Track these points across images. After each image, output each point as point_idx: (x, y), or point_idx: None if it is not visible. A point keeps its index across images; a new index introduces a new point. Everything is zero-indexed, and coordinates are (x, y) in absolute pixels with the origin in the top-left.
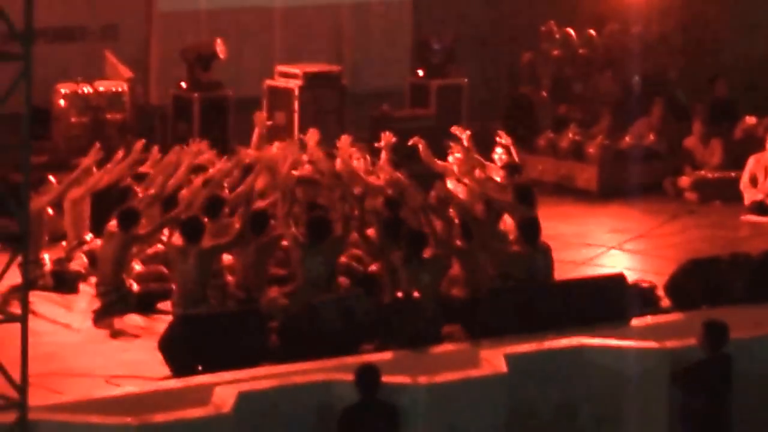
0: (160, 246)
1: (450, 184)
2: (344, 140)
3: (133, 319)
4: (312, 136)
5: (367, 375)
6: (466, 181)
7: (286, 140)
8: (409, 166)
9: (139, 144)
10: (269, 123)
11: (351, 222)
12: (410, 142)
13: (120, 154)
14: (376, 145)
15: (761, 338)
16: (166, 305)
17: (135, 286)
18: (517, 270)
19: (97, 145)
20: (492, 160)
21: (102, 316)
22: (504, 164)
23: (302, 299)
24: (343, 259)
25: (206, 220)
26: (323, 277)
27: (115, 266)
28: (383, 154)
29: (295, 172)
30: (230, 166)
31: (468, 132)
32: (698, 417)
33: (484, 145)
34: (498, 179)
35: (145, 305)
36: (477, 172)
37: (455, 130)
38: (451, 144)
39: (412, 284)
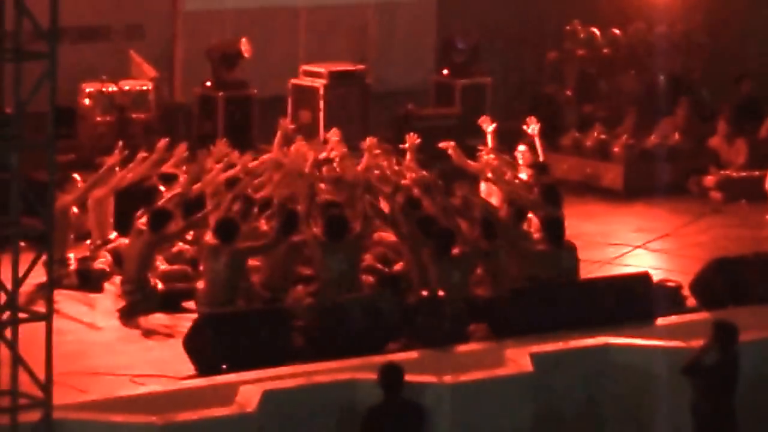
0: (183, 245)
1: (483, 186)
2: (370, 142)
3: (158, 318)
4: (334, 133)
5: (391, 374)
6: (498, 183)
7: (308, 141)
8: (435, 166)
9: (163, 143)
10: (292, 127)
11: (373, 220)
12: (442, 145)
13: (143, 153)
14: (401, 146)
15: None
16: (190, 304)
17: (159, 285)
18: (543, 269)
19: (122, 144)
20: (514, 158)
21: (127, 315)
22: (530, 163)
23: (327, 298)
24: (367, 258)
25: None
26: (346, 275)
27: (140, 265)
28: (408, 155)
29: (317, 172)
30: (255, 166)
31: (494, 125)
32: (707, 417)
33: (508, 144)
34: (524, 177)
35: (170, 304)
36: (508, 174)
37: (482, 121)
38: (480, 147)
39: (442, 282)
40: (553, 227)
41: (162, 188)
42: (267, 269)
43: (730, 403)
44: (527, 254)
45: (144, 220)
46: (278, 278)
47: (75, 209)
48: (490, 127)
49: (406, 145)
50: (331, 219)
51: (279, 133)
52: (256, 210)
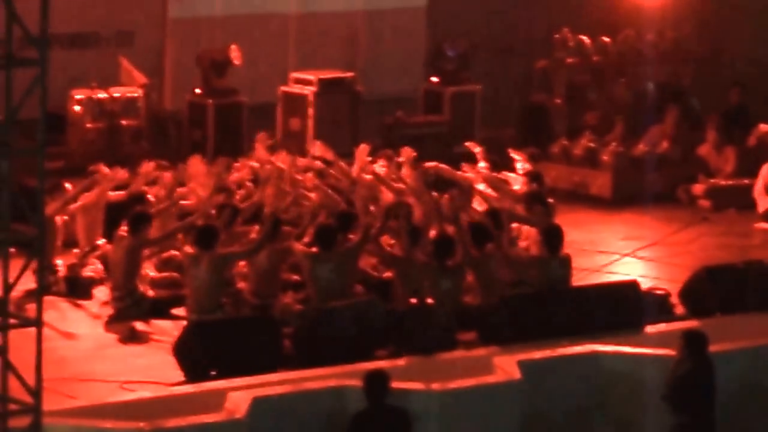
0: (174, 252)
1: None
2: (362, 149)
3: (147, 325)
4: (318, 147)
5: (375, 381)
6: (487, 194)
7: (297, 148)
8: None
9: (150, 166)
10: (270, 143)
11: (369, 230)
12: (427, 165)
13: (126, 173)
14: (397, 159)
15: None
16: (179, 311)
17: (149, 292)
18: (532, 275)
19: (120, 171)
20: (515, 170)
21: (116, 322)
22: (525, 172)
23: (316, 305)
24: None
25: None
26: (335, 285)
27: (127, 271)
28: (404, 168)
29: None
30: (242, 176)
31: (479, 148)
32: (686, 428)
33: (496, 152)
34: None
35: (159, 311)
36: (504, 187)
37: (469, 145)
38: (467, 166)
39: (433, 290)
40: (550, 235)
41: (150, 197)
42: (254, 276)
43: (710, 412)
44: (517, 260)
45: (125, 227)
46: (265, 285)
47: (65, 216)
48: (477, 149)
49: (401, 159)
50: (321, 229)
51: (258, 146)
52: (240, 218)
